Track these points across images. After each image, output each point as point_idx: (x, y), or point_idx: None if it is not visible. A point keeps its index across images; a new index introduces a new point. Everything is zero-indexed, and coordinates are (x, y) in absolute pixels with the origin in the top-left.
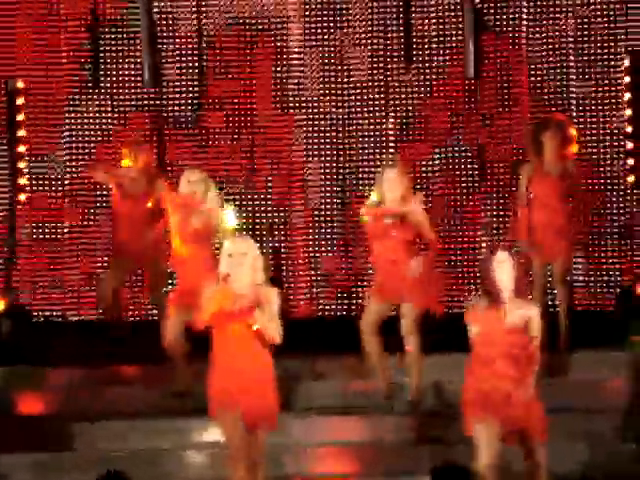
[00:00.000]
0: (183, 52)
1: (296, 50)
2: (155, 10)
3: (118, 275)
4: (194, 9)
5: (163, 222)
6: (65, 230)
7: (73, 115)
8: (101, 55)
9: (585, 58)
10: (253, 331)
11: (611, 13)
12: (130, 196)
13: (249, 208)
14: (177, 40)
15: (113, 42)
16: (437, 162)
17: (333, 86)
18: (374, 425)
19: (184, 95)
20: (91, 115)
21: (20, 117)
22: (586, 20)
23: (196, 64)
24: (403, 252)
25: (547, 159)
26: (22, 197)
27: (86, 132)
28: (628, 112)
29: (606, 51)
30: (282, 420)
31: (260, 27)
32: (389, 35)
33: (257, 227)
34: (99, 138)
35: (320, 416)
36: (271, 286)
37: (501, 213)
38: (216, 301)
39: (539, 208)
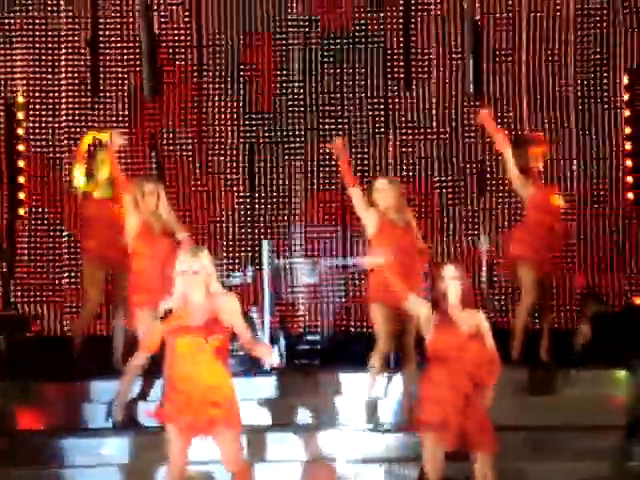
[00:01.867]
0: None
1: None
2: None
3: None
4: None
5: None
6: (64, 245)
7: (73, 130)
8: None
9: (585, 75)
10: (211, 346)
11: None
12: (101, 201)
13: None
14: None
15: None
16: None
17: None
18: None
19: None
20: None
21: (20, 131)
22: (585, 39)
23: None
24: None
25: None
26: (21, 211)
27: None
28: (627, 130)
29: (605, 69)
30: None
31: None
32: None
33: None
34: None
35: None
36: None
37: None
38: (174, 317)
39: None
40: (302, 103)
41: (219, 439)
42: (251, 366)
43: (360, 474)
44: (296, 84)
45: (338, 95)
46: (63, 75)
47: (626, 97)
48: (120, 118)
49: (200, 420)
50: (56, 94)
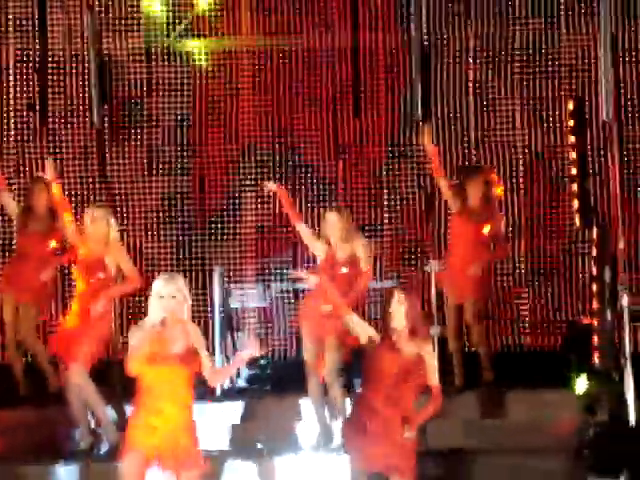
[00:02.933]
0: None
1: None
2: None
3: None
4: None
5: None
6: None
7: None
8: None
9: (531, 101)
10: (184, 376)
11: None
12: (33, 233)
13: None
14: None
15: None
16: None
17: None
18: None
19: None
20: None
21: None
22: (532, 63)
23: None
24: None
25: (470, 204)
26: None
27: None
28: (573, 155)
29: (551, 94)
30: None
31: None
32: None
33: None
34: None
35: None
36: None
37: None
38: (150, 345)
39: (456, 249)
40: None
41: (184, 476)
42: (204, 392)
43: None
44: None
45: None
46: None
47: (571, 123)
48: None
49: (165, 451)
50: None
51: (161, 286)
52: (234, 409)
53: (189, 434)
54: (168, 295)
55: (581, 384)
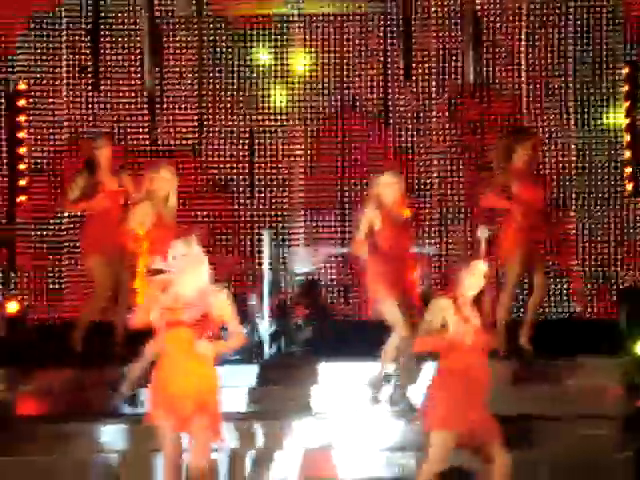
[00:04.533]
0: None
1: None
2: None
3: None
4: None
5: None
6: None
7: (73, 118)
8: (101, 59)
9: (585, 69)
10: (200, 340)
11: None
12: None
13: None
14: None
15: (114, 45)
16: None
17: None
18: None
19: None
20: (91, 119)
21: (22, 118)
22: (585, 31)
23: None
24: None
25: (519, 167)
26: (22, 198)
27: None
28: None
29: (605, 60)
30: None
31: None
32: (388, 48)
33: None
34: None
35: None
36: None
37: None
38: (163, 305)
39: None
40: None
41: (196, 430)
42: (247, 354)
43: (358, 462)
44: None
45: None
46: (64, 64)
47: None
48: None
49: (187, 414)
50: (57, 82)
51: (178, 247)
52: (278, 372)
53: (210, 403)
54: (180, 256)
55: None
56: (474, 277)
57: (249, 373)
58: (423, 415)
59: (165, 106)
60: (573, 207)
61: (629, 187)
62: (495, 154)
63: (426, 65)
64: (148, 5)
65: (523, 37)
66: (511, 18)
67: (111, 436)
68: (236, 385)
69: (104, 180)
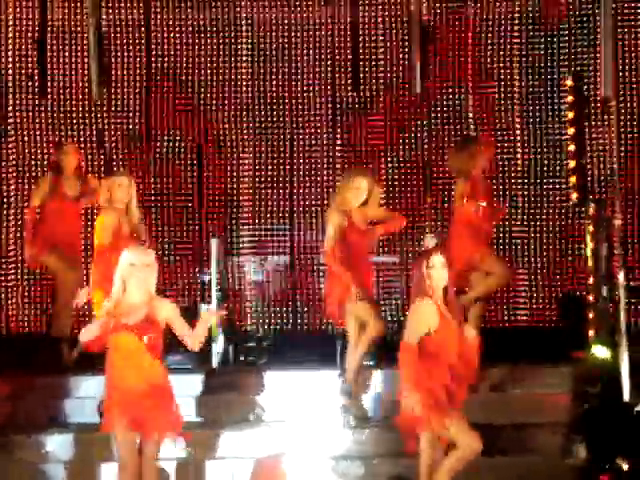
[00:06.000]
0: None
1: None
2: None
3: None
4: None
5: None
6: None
7: (19, 125)
8: (48, 64)
9: (530, 74)
10: (146, 344)
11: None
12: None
13: None
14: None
15: (61, 52)
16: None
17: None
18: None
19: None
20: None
21: None
22: (530, 37)
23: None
24: None
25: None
26: None
27: (32, 143)
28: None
29: (549, 71)
30: None
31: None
32: (337, 52)
33: None
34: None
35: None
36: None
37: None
38: (112, 312)
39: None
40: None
41: (150, 428)
42: (195, 363)
43: (308, 471)
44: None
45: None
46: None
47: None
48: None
49: (141, 416)
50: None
51: (134, 255)
52: (228, 381)
53: (163, 404)
54: (140, 264)
55: (580, 357)
56: (435, 269)
57: (198, 382)
58: (408, 419)
59: (113, 114)
60: (520, 216)
61: (574, 196)
62: (452, 163)
63: (373, 75)
64: (94, 12)
65: (469, 47)
66: (457, 29)
67: (57, 446)
68: (185, 394)
69: (65, 185)
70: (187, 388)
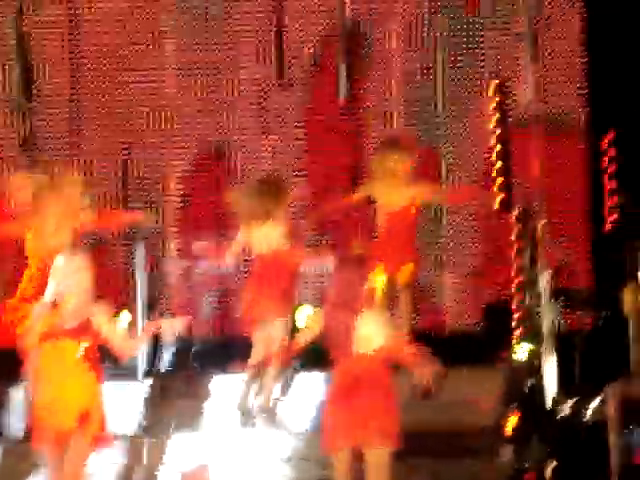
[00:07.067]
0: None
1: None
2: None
3: None
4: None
5: None
6: None
7: None
8: None
9: (453, 83)
10: (81, 351)
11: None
12: None
13: None
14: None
15: None
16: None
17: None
18: None
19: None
20: None
21: None
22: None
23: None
24: None
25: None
26: None
27: None
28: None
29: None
30: None
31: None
32: (264, 57)
33: None
34: None
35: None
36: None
37: None
38: (45, 320)
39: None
40: None
41: (73, 444)
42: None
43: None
44: None
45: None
46: None
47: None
48: None
49: (65, 428)
50: None
51: (64, 262)
52: (155, 389)
53: (87, 407)
54: (70, 272)
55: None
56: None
57: (131, 390)
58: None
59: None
60: (444, 219)
61: (498, 199)
62: (375, 165)
63: (301, 76)
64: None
65: (394, 48)
66: (381, 30)
67: None
68: (119, 402)
69: None
70: (118, 396)
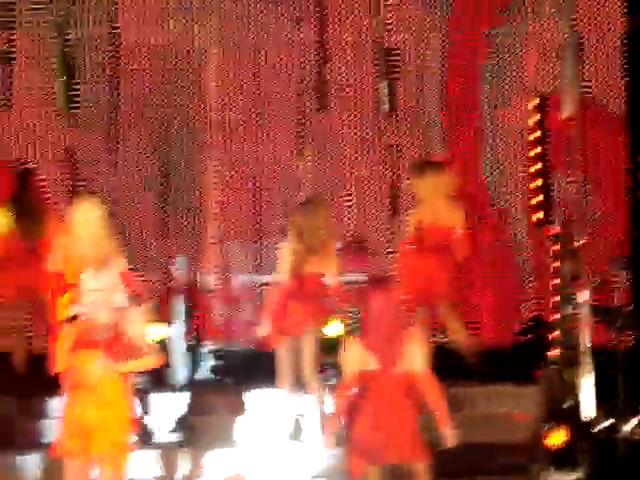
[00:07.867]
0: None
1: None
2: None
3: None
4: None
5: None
6: None
7: None
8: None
9: (495, 96)
10: (115, 363)
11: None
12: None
13: None
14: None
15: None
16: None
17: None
18: None
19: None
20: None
21: None
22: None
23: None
24: None
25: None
26: None
27: None
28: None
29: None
30: None
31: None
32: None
33: None
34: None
35: None
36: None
37: None
38: (77, 334)
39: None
40: None
41: (108, 462)
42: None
43: None
44: None
45: None
46: None
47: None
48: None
49: (93, 446)
50: None
51: (92, 280)
52: (192, 401)
53: (119, 427)
54: (98, 290)
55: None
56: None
57: (168, 401)
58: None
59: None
60: None
61: (539, 215)
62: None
63: (341, 95)
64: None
65: (435, 66)
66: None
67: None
68: (156, 413)
69: None
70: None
